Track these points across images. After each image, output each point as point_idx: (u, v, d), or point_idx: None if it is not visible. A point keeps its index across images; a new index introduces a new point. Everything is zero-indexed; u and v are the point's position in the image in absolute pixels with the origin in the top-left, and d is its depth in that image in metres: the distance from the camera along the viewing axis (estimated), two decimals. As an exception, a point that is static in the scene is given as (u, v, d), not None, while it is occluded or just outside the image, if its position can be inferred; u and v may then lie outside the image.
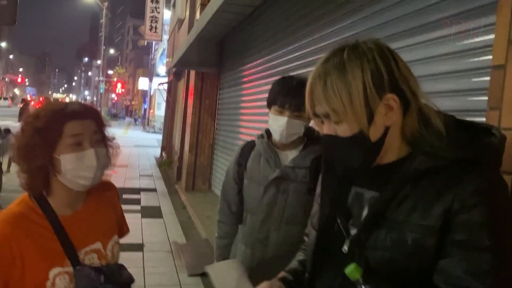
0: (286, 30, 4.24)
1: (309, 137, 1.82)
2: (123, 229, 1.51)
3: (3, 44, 63.52)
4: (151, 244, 5.24)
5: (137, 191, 8.56)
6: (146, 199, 7.86)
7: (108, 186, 1.46)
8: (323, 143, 1.05)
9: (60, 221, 1.23)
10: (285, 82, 1.76)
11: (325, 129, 1.01)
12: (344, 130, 0.96)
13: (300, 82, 1.67)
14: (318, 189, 1.19)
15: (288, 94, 1.69)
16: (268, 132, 1.87)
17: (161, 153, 14.72)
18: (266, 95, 1.84)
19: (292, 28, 4.07)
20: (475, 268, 0.84)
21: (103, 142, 1.30)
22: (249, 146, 1.94)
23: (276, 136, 1.77)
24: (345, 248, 1.02)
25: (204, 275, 4.30)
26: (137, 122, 42.45)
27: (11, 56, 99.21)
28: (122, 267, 1.34)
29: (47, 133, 1.18)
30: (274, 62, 4.62)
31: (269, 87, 1.84)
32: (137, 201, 7.60)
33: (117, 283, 1.26)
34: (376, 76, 0.92)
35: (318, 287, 1.10)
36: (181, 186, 8.59)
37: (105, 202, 1.41)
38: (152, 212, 6.87)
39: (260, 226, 1.78)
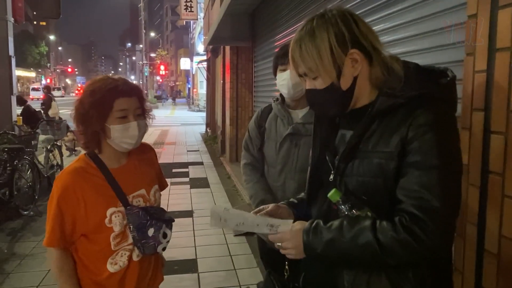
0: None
1: None
2: (162, 183, 1.84)
3: (52, 37, 66.73)
4: (200, 210, 5.69)
5: (185, 165, 9.11)
6: (194, 172, 8.37)
7: (147, 147, 1.79)
8: (306, 96, 1.29)
9: (111, 172, 1.56)
10: (284, 46, 2.02)
11: (307, 85, 1.25)
12: (320, 84, 1.20)
13: None
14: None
15: (288, 53, 1.93)
16: (282, 96, 2.13)
17: (206, 129, 15.24)
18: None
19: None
20: (426, 182, 1.06)
21: (143, 114, 1.61)
22: (267, 110, 2.22)
23: (284, 91, 2.02)
24: (331, 178, 1.26)
25: (247, 234, 4.66)
26: (175, 102, 43.50)
27: (60, 48, 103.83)
28: (163, 210, 1.68)
29: (101, 107, 1.50)
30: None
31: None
32: (186, 174, 8.13)
33: (160, 220, 1.59)
34: (339, 37, 1.15)
35: (313, 211, 1.36)
36: (225, 159, 9.02)
37: (145, 160, 1.74)
38: (200, 183, 7.35)
39: (278, 176, 2.06)
